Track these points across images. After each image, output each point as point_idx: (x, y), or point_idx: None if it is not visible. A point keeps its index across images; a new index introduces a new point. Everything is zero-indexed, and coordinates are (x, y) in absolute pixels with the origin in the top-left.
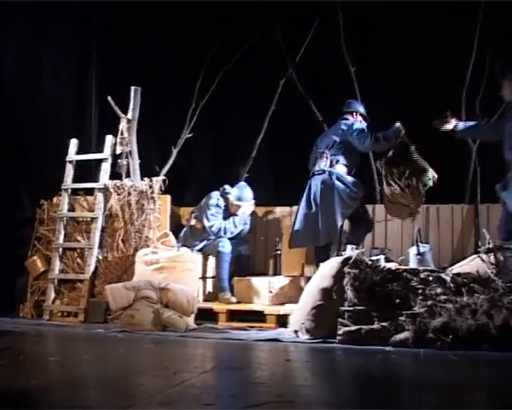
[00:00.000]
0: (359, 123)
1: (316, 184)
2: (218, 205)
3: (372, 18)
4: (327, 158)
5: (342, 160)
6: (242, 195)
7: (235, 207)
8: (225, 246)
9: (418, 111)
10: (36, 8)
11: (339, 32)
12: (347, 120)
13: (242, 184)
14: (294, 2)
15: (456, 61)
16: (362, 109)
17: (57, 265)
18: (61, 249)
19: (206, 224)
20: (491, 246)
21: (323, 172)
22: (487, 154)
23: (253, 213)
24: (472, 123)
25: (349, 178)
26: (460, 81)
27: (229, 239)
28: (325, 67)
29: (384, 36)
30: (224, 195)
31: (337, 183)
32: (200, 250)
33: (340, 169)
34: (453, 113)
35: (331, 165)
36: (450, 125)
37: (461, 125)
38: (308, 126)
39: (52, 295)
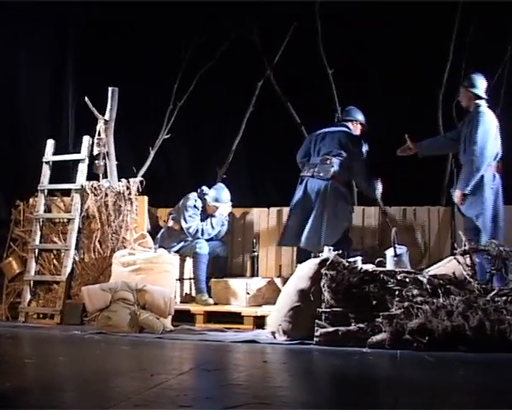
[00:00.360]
0: (363, 146)
1: (316, 187)
2: (195, 206)
3: (350, 20)
4: (332, 166)
5: (339, 170)
6: (220, 196)
7: (212, 208)
8: (203, 247)
9: (395, 113)
10: (12, 7)
11: (316, 34)
12: (348, 128)
13: (220, 185)
14: (272, 3)
15: (434, 65)
16: (361, 117)
17: (33, 266)
18: (37, 251)
19: (184, 225)
20: (467, 248)
21: (327, 179)
22: None
23: (231, 215)
24: (432, 139)
25: (349, 195)
26: (437, 84)
27: (207, 241)
28: (303, 68)
29: (362, 38)
30: (202, 196)
31: (344, 194)
32: (177, 252)
33: (340, 180)
34: (411, 136)
35: (334, 174)
36: (412, 150)
37: (422, 145)
38: (285, 128)
39: (28, 296)
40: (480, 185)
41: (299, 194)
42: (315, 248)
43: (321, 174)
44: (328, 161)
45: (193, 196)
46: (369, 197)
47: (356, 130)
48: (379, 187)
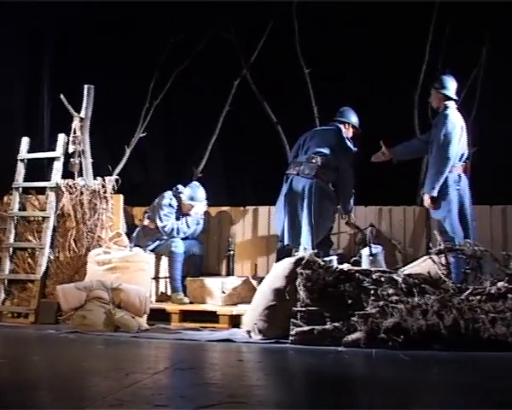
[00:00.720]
0: (352, 150)
1: (300, 185)
2: (170, 205)
3: (327, 20)
4: (318, 165)
5: (325, 170)
6: (195, 194)
7: (187, 206)
8: (178, 246)
9: (372, 113)
10: None
11: (293, 34)
12: (339, 129)
13: (195, 183)
14: (249, 2)
15: (410, 65)
16: (355, 120)
17: (7, 265)
18: (11, 249)
19: (159, 224)
20: (442, 247)
21: (312, 178)
22: None
23: (206, 213)
24: (406, 143)
25: (334, 195)
26: (412, 85)
27: (182, 239)
28: (279, 68)
29: (339, 38)
30: (177, 195)
31: (329, 194)
32: (152, 250)
33: (325, 180)
34: (386, 141)
35: (319, 173)
36: (386, 156)
37: (397, 150)
38: (262, 127)
39: (2, 295)
40: (445, 187)
41: (283, 192)
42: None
43: (306, 172)
44: (313, 160)
45: (168, 194)
46: (340, 210)
47: (348, 132)
48: (352, 204)
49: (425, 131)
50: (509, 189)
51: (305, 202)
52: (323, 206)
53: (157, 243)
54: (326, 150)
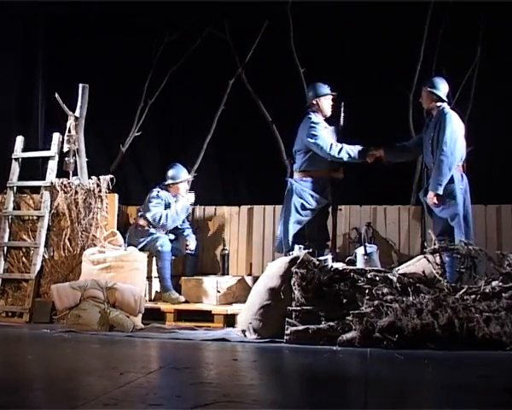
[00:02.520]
0: (316, 140)
1: (286, 190)
2: (158, 196)
3: (321, 19)
4: (294, 164)
5: (307, 165)
6: (176, 173)
7: (174, 188)
8: (164, 245)
9: (366, 112)
10: None
11: (288, 33)
12: (309, 117)
13: (175, 164)
14: (244, 2)
15: (404, 64)
16: (320, 90)
17: (1, 264)
18: (5, 248)
19: (148, 215)
20: (436, 247)
21: (290, 178)
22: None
23: (201, 213)
24: (398, 145)
25: (307, 189)
26: (407, 85)
27: (175, 239)
28: (275, 67)
29: (333, 37)
30: (164, 187)
31: (294, 193)
32: (141, 249)
33: (303, 177)
34: (378, 145)
35: (292, 173)
36: (378, 154)
37: (389, 151)
38: (257, 126)
39: None
40: (451, 186)
41: None
42: (285, 247)
43: (289, 175)
44: (292, 160)
45: (156, 188)
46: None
47: (323, 109)
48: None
49: (420, 131)
50: (504, 188)
51: (284, 205)
52: (291, 204)
53: (144, 241)
54: (302, 143)
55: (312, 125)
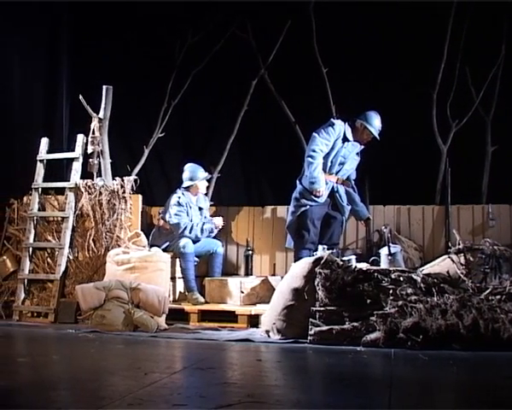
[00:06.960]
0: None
1: None
2: (179, 203)
3: (344, 19)
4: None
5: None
6: (194, 174)
7: (195, 188)
8: (187, 247)
9: (390, 112)
10: (6, 7)
11: (311, 33)
12: (332, 123)
13: (191, 164)
14: (267, 2)
15: (428, 64)
16: (376, 123)
17: (27, 265)
18: (31, 249)
19: (170, 222)
20: (461, 247)
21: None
22: (458, 155)
23: (225, 213)
24: None
25: (298, 189)
26: (431, 84)
27: (194, 242)
28: (297, 67)
29: (356, 37)
30: (184, 191)
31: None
32: (164, 250)
33: (304, 179)
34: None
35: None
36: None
37: None
38: (280, 127)
39: (22, 295)
40: None
41: None
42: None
43: None
44: None
45: (176, 193)
46: None
47: (358, 133)
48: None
49: (443, 131)
50: None
51: None
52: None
53: (167, 243)
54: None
55: (319, 131)
